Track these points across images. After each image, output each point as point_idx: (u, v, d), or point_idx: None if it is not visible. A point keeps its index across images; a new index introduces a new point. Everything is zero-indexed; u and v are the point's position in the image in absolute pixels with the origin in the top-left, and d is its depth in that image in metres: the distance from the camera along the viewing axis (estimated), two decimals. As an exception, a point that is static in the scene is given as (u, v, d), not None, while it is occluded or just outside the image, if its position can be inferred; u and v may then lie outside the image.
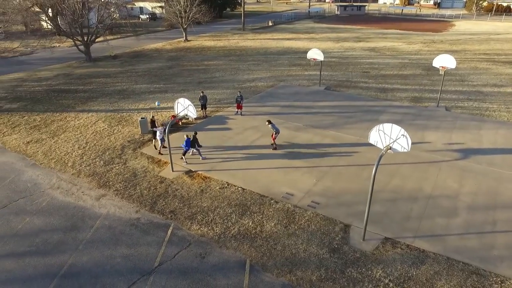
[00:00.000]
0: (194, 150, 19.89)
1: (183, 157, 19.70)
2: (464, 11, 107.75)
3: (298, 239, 14.40)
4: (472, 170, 19.13)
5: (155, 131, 20.72)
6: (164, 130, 19.74)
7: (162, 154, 20.73)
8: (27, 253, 13.81)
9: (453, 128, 24.16)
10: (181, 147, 19.55)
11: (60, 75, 38.70)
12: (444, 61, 26.81)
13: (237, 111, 26.23)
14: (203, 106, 26.01)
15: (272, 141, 21.29)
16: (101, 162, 20.20)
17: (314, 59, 31.63)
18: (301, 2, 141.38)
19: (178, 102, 18.72)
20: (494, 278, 12.56)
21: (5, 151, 21.66)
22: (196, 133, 19.76)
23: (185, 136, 19.50)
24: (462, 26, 78.84)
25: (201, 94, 25.98)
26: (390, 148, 13.35)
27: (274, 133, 20.95)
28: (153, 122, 21.60)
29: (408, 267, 13.03)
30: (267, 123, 21.00)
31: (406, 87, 33.41)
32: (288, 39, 60.38)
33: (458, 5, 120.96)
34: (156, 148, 21.23)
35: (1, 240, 14.46)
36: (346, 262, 13.30)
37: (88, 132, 24.09)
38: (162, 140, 20.46)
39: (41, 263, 13.34)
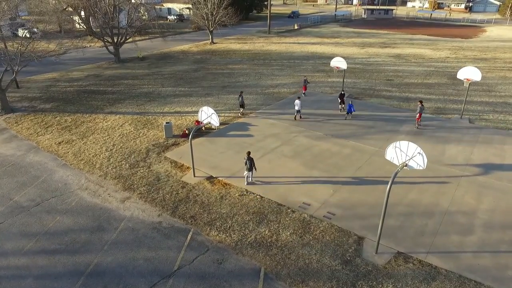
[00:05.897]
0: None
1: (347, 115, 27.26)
2: (497, 16, 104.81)
3: (312, 250, 14.83)
4: (492, 186, 19.01)
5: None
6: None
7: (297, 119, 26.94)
8: (57, 251, 14.81)
9: (476, 142, 23.92)
10: (351, 110, 27.00)
11: (90, 76, 40.33)
12: (469, 73, 26.49)
13: (304, 92, 32.79)
14: (242, 105, 28.46)
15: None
16: (127, 165, 21.17)
17: (337, 67, 31.78)
18: (327, 4, 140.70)
19: (202, 110, 19.46)
20: (507, 299, 12.64)
21: (38, 151, 22.98)
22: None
23: (350, 102, 27.55)
24: (494, 32, 76.83)
25: (240, 93, 28.76)
26: (406, 165, 13.62)
27: None
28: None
29: (419, 282, 13.25)
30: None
31: (430, 97, 33.09)
32: (313, 43, 60.53)
33: (491, 9, 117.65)
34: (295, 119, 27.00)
35: (34, 237, 15.54)
36: (357, 274, 13.64)
37: (115, 134, 25.19)
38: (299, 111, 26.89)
39: (70, 261, 14.29)
